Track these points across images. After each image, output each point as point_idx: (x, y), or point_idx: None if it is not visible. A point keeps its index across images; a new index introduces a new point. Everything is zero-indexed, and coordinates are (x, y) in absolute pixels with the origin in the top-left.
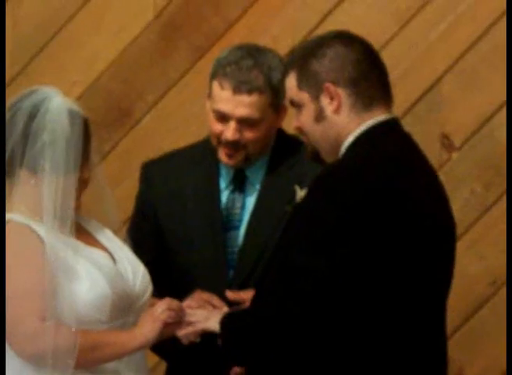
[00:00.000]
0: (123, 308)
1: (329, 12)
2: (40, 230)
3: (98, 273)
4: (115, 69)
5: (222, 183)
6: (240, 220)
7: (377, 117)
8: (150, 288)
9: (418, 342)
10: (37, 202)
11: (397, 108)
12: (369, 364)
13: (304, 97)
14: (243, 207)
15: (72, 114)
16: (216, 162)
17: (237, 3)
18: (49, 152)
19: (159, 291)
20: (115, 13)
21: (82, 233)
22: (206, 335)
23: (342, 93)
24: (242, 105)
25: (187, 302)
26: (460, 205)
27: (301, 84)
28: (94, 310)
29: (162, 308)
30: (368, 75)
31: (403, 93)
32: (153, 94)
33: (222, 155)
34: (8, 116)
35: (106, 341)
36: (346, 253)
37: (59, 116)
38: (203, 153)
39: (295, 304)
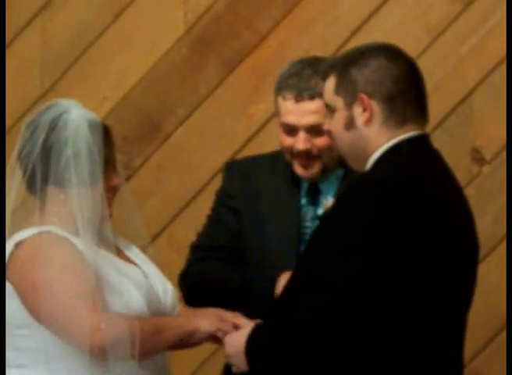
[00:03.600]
0: None
1: (360, 27)
2: (78, 243)
3: (135, 289)
4: (146, 83)
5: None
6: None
7: (407, 133)
8: (178, 306)
9: (436, 354)
10: (69, 215)
11: (428, 122)
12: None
13: (338, 102)
14: (313, 220)
15: (91, 124)
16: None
17: (268, 17)
18: (74, 165)
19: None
20: (145, 28)
21: (113, 248)
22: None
23: (375, 106)
24: (306, 113)
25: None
26: (491, 218)
27: (338, 89)
28: None
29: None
30: (406, 93)
31: (433, 106)
32: (184, 109)
33: (297, 167)
34: (28, 132)
35: (166, 324)
36: (366, 265)
37: (79, 128)
38: (286, 162)
39: (312, 316)
